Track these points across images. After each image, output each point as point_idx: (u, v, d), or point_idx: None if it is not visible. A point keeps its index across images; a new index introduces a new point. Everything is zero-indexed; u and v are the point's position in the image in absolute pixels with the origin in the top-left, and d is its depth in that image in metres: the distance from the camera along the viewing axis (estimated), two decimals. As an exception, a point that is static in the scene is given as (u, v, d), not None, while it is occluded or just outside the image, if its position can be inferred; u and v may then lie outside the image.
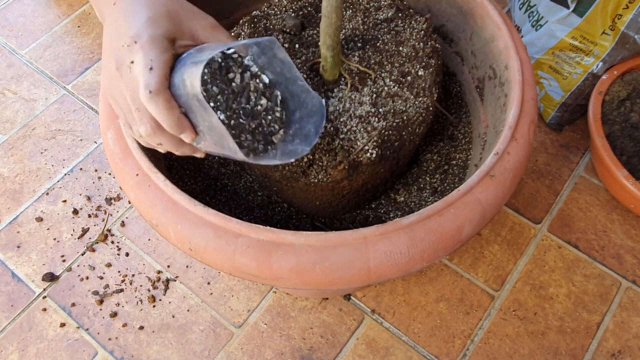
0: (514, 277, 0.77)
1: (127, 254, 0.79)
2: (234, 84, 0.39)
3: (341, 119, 0.52)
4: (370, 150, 0.50)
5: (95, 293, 0.76)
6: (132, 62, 0.37)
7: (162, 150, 0.41)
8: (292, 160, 0.42)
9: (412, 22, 0.57)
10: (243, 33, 0.58)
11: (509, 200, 0.84)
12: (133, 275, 0.77)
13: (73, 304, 0.75)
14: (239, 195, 0.62)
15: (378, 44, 0.56)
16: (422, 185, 0.61)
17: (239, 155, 0.39)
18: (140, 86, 0.36)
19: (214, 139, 0.39)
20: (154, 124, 0.38)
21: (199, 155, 0.42)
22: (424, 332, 0.73)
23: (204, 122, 0.38)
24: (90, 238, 0.81)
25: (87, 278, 0.77)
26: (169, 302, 0.75)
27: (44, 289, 0.77)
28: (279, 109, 0.43)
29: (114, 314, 0.74)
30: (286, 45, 0.57)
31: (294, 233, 0.44)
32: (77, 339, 0.73)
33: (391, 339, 0.73)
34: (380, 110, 0.52)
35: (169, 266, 0.78)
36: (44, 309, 0.75)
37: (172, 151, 0.41)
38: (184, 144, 0.40)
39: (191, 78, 0.36)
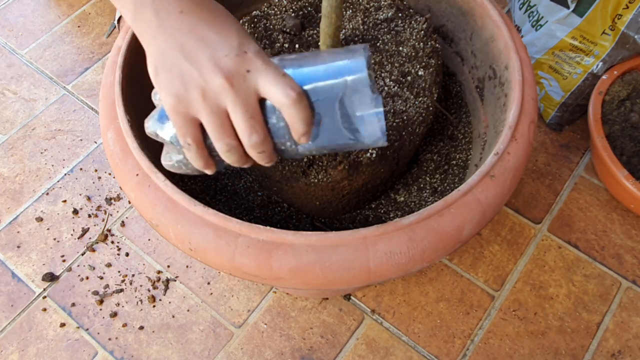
0: (514, 277, 0.77)
1: (127, 254, 0.79)
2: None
3: (341, 119, 0.52)
4: (370, 150, 0.50)
5: (95, 293, 0.76)
6: (249, 70, 0.37)
7: (263, 163, 0.41)
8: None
9: (412, 22, 0.57)
10: (243, 33, 0.57)
11: (509, 200, 0.84)
12: (133, 275, 0.77)
13: (73, 304, 0.75)
14: (239, 195, 0.62)
15: (378, 44, 0.56)
16: (422, 185, 0.61)
17: (369, 141, 0.40)
18: (283, 90, 0.37)
19: (341, 134, 0.40)
20: (265, 131, 0.39)
21: (272, 163, 0.42)
22: (424, 332, 0.73)
23: (335, 118, 0.39)
24: (90, 238, 0.81)
25: (87, 278, 0.77)
26: (169, 302, 0.75)
27: (44, 289, 0.77)
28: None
29: (114, 314, 0.74)
30: (286, 45, 0.57)
31: (294, 233, 0.44)
32: (77, 339, 0.73)
33: (391, 339, 0.73)
34: (380, 110, 0.52)
35: (169, 266, 0.78)
36: (44, 309, 0.75)
37: (266, 161, 0.41)
38: (275, 154, 0.41)
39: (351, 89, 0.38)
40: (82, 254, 0.79)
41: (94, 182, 0.86)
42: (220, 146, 0.39)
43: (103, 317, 0.74)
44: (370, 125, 0.40)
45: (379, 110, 0.39)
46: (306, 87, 0.39)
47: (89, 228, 0.81)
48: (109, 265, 0.78)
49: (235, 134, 0.38)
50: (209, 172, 0.41)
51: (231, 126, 0.38)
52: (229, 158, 0.39)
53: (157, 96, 0.41)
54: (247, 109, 0.38)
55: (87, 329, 0.74)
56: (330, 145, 0.41)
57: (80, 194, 0.85)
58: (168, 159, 0.42)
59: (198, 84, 0.37)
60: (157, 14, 0.38)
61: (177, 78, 0.37)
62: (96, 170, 0.87)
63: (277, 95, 0.37)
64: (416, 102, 0.52)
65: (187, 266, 0.78)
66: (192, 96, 0.37)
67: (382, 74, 0.54)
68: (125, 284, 0.77)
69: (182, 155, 0.41)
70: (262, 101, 0.39)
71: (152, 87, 0.40)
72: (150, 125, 0.41)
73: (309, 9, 0.61)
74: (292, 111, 0.37)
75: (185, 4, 0.38)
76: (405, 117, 0.51)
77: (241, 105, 0.37)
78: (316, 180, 0.51)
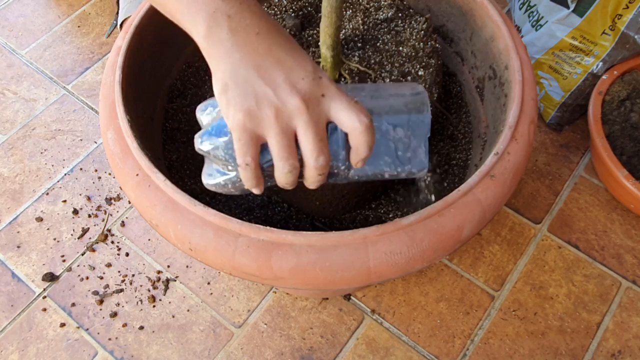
0: (514, 277, 0.77)
1: (127, 254, 0.79)
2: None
3: (341, 119, 0.52)
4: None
5: (95, 293, 0.76)
6: (324, 95, 0.39)
7: (314, 186, 0.42)
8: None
9: (412, 22, 0.57)
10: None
11: (509, 200, 0.84)
12: (133, 275, 0.77)
13: (73, 304, 0.75)
14: (239, 195, 0.62)
15: (378, 44, 0.56)
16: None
17: (416, 169, 0.43)
18: (357, 116, 0.38)
19: (392, 162, 0.43)
20: (329, 154, 0.40)
21: (317, 186, 0.43)
22: (424, 332, 0.73)
23: (391, 147, 0.43)
24: (90, 238, 0.81)
25: (87, 278, 0.77)
26: (169, 302, 0.75)
27: (44, 289, 0.77)
28: None
29: (114, 314, 0.74)
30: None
31: (294, 233, 0.44)
32: (77, 339, 0.73)
33: (391, 339, 0.73)
34: (380, 110, 0.52)
35: (169, 266, 0.78)
36: (44, 309, 0.75)
37: (319, 182, 0.41)
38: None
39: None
40: (82, 254, 0.79)
41: (94, 182, 0.86)
42: (284, 166, 0.39)
43: (103, 317, 0.74)
44: (419, 156, 0.43)
45: (426, 144, 0.43)
46: (374, 116, 0.41)
47: (89, 228, 0.81)
48: (109, 265, 0.78)
49: (297, 155, 0.39)
50: (256, 191, 0.41)
51: (296, 148, 0.39)
52: (287, 178, 0.40)
53: (204, 112, 0.42)
54: (318, 132, 0.38)
55: (87, 329, 0.74)
56: (378, 171, 0.43)
57: (80, 194, 0.85)
58: (213, 178, 0.42)
59: (272, 102, 0.38)
60: (234, 34, 0.38)
61: (250, 95, 0.38)
62: (96, 170, 0.87)
63: (350, 121, 0.38)
64: (416, 102, 0.52)
65: (187, 266, 0.78)
66: (265, 114, 0.38)
67: (382, 74, 0.54)
68: (125, 284, 0.77)
69: (234, 173, 0.41)
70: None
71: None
72: (206, 141, 0.40)
73: (309, 9, 0.61)
74: (362, 137, 0.39)
75: (262, 26, 0.39)
76: (405, 117, 0.51)
77: (313, 127, 0.38)
78: (316, 180, 0.51)
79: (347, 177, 0.43)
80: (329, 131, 0.40)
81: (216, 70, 0.39)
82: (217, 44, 0.39)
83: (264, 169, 0.40)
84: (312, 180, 0.41)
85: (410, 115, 0.42)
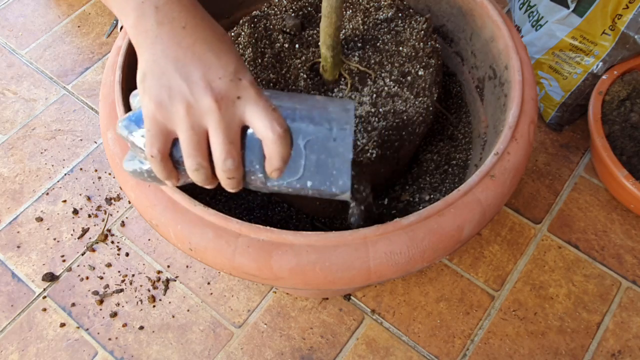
0: (514, 277, 0.77)
1: (127, 254, 0.79)
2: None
3: (341, 119, 0.52)
4: (370, 150, 0.50)
5: (95, 293, 0.76)
6: (239, 97, 0.38)
7: (228, 188, 0.42)
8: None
9: (412, 22, 0.57)
10: (243, 33, 0.58)
11: (509, 200, 0.84)
12: (133, 275, 0.77)
13: (73, 304, 0.75)
14: (239, 195, 0.62)
15: (378, 44, 0.56)
16: (422, 185, 0.61)
17: (336, 190, 0.42)
18: (270, 124, 0.38)
19: (310, 177, 0.41)
20: (240, 158, 0.39)
21: (236, 190, 0.43)
22: (424, 332, 0.73)
23: (311, 158, 0.41)
24: (90, 238, 0.81)
25: (87, 278, 0.77)
26: (169, 302, 0.75)
27: (44, 289, 0.77)
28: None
29: (114, 314, 0.74)
30: (286, 45, 0.57)
31: (294, 233, 0.44)
32: (77, 339, 0.73)
33: (391, 339, 0.73)
34: (380, 110, 0.52)
35: (169, 266, 0.78)
36: (44, 309, 0.75)
37: (232, 187, 0.41)
38: (243, 183, 0.42)
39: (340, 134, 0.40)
40: (82, 254, 0.79)
41: (94, 182, 0.86)
42: (191, 164, 0.39)
43: (103, 317, 0.74)
44: (341, 177, 0.41)
45: (349, 167, 0.40)
46: (292, 126, 0.40)
47: (89, 228, 0.81)
48: (109, 265, 0.78)
49: (208, 154, 0.39)
50: (170, 184, 0.41)
51: (207, 147, 0.39)
52: (195, 176, 0.40)
53: (135, 99, 0.41)
54: (229, 134, 0.38)
55: (87, 329, 0.73)
56: (297, 187, 0.42)
57: (80, 194, 0.85)
58: (131, 165, 0.42)
59: (185, 98, 0.37)
60: (159, 25, 0.38)
61: (164, 88, 0.38)
62: (96, 170, 0.87)
63: (263, 128, 0.38)
64: (416, 102, 0.52)
65: (187, 266, 0.78)
66: (175, 108, 0.37)
67: (382, 74, 0.54)
68: (125, 284, 0.77)
69: (149, 164, 0.41)
70: (242, 129, 0.39)
71: None
72: (124, 126, 0.40)
73: (309, 9, 0.61)
74: (274, 146, 0.38)
75: (189, 20, 0.38)
76: (405, 117, 0.51)
77: (224, 129, 0.38)
78: (316, 180, 0.51)
79: (267, 186, 0.42)
80: (247, 136, 0.39)
81: (140, 59, 0.39)
82: (143, 34, 0.38)
83: (180, 163, 0.40)
84: (223, 182, 0.40)
85: (332, 132, 0.40)
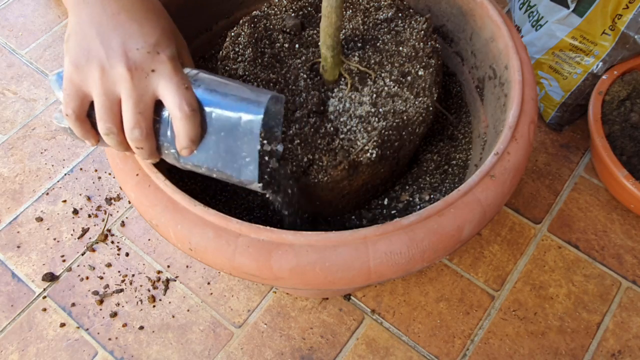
0: (514, 277, 0.77)
1: (127, 254, 0.79)
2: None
3: (341, 119, 0.52)
4: (370, 150, 0.50)
5: (95, 293, 0.76)
6: (154, 70, 0.39)
7: (140, 157, 0.43)
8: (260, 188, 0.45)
9: (412, 22, 0.57)
10: (243, 33, 0.58)
11: (509, 200, 0.84)
12: (133, 275, 0.77)
13: (73, 304, 0.75)
14: (239, 195, 0.62)
15: (378, 44, 0.56)
16: (422, 185, 0.61)
17: (244, 178, 0.42)
18: (179, 102, 0.39)
19: (220, 161, 0.42)
20: (149, 130, 0.40)
21: (152, 161, 0.44)
22: (424, 332, 0.73)
23: (221, 144, 0.41)
24: (90, 238, 0.81)
25: (87, 278, 0.77)
26: (169, 302, 0.75)
27: (44, 289, 0.77)
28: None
29: (114, 314, 0.74)
30: (286, 45, 0.57)
31: (294, 233, 0.44)
32: (77, 339, 0.73)
33: (391, 339, 0.73)
34: (380, 110, 0.52)
35: (169, 266, 0.78)
36: (44, 309, 0.75)
37: (143, 157, 0.43)
38: (156, 154, 0.43)
39: (248, 117, 0.40)
40: (82, 254, 0.79)
41: (94, 182, 0.86)
42: (101, 127, 0.40)
43: (103, 317, 0.74)
44: (249, 167, 0.42)
45: (257, 156, 0.41)
46: (206, 109, 0.41)
47: (89, 228, 0.81)
48: (109, 265, 0.78)
49: (119, 121, 0.40)
50: (89, 143, 0.43)
51: (119, 113, 0.40)
52: (107, 140, 0.41)
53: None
54: (138, 104, 0.39)
55: (87, 329, 0.74)
56: (208, 167, 0.43)
57: (80, 194, 0.85)
58: (59, 121, 0.43)
59: (101, 64, 0.38)
60: None
61: (84, 51, 0.39)
62: (96, 170, 0.87)
63: (171, 105, 0.39)
64: (416, 102, 0.52)
65: (187, 266, 0.78)
66: (91, 72, 0.39)
67: (382, 74, 0.54)
68: (125, 284, 0.77)
69: None
70: (160, 102, 0.40)
71: None
72: (55, 80, 0.42)
73: (309, 9, 0.61)
74: (181, 124, 0.39)
75: None
76: (405, 117, 0.51)
77: (134, 99, 0.39)
78: (316, 181, 0.51)
79: (180, 163, 0.43)
80: (164, 110, 0.40)
81: (69, 21, 0.40)
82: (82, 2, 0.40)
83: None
84: (135, 151, 0.42)
85: (240, 120, 0.41)
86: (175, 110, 0.39)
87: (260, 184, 0.43)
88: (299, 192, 0.50)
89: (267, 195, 0.47)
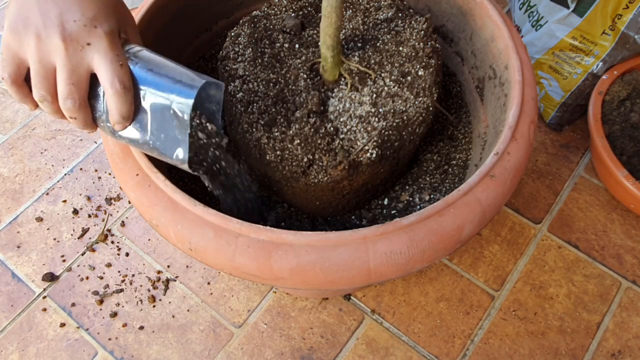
0: (514, 277, 0.77)
1: (127, 254, 0.79)
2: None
3: (341, 119, 0.52)
4: (370, 150, 0.50)
5: (95, 293, 0.76)
6: (89, 44, 0.40)
7: (69, 120, 0.44)
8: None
9: (412, 22, 0.57)
10: (243, 33, 0.58)
11: (509, 200, 0.84)
12: (133, 275, 0.77)
13: (73, 304, 0.75)
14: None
15: (378, 44, 0.56)
16: (422, 185, 0.61)
17: (175, 159, 0.44)
18: (111, 78, 0.40)
19: (152, 139, 0.44)
20: (82, 101, 0.42)
21: (89, 131, 0.45)
22: (424, 332, 0.73)
23: (154, 123, 0.43)
24: (90, 238, 0.81)
25: (87, 278, 0.77)
26: (169, 302, 0.75)
27: (44, 289, 0.77)
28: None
29: (114, 314, 0.74)
30: (286, 45, 0.57)
31: (294, 233, 0.44)
32: (77, 339, 0.73)
33: (391, 339, 0.73)
34: (380, 110, 0.52)
35: (169, 266, 0.78)
36: (44, 309, 0.75)
37: (78, 127, 0.44)
38: (92, 124, 0.44)
39: (180, 99, 0.42)
40: (82, 254, 0.79)
41: (94, 182, 0.86)
42: (35, 94, 0.41)
43: (103, 317, 0.74)
44: (179, 147, 0.43)
45: (187, 138, 0.42)
46: (141, 87, 0.42)
47: (89, 228, 0.81)
48: (109, 265, 0.78)
49: (54, 90, 0.41)
50: (28, 108, 0.44)
51: (54, 82, 0.41)
52: (43, 107, 0.42)
53: None
54: (71, 76, 0.40)
55: (87, 329, 0.74)
56: (141, 144, 0.44)
57: (80, 194, 0.85)
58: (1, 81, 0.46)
59: (38, 32, 0.39)
60: None
61: (22, 17, 0.40)
62: (96, 170, 0.87)
63: (104, 80, 0.40)
64: (416, 102, 0.52)
65: (187, 266, 0.78)
66: (27, 39, 0.40)
67: (382, 74, 0.54)
68: (125, 284, 0.77)
69: None
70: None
71: None
72: None
73: (309, 9, 0.61)
74: (112, 100, 0.40)
75: None
76: (405, 117, 0.52)
77: (67, 70, 0.40)
78: (316, 181, 0.51)
79: (115, 137, 0.44)
80: (99, 83, 0.41)
81: None
82: None
83: None
84: (70, 121, 0.43)
85: (173, 103, 0.42)
86: (107, 86, 0.40)
87: (187, 165, 0.44)
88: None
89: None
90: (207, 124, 0.46)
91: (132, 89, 0.41)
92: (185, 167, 0.44)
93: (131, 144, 0.45)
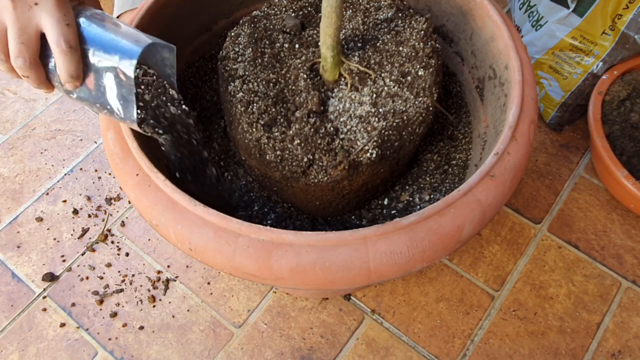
0: (514, 277, 0.77)
1: (127, 254, 0.79)
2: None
3: (341, 119, 0.52)
4: (370, 150, 0.50)
5: (95, 293, 0.76)
6: (36, 4, 0.41)
7: (23, 79, 0.45)
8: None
9: (412, 22, 0.57)
10: (243, 33, 0.58)
11: (509, 200, 0.84)
12: (133, 275, 0.77)
13: (73, 304, 0.75)
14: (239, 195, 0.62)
15: (378, 44, 0.56)
16: (422, 185, 0.61)
17: (125, 117, 0.45)
18: (57, 37, 0.41)
19: (103, 99, 0.45)
20: (33, 60, 0.42)
21: (45, 90, 0.47)
22: (424, 332, 0.73)
23: (100, 82, 0.44)
24: (90, 238, 0.81)
25: (87, 278, 0.77)
26: (169, 302, 0.75)
27: (44, 289, 0.77)
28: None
29: (114, 314, 0.74)
30: (286, 45, 0.57)
31: (294, 233, 0.44)
32: (77, 339, 0.73)
33: (391, 339, 0.73)
34: (380, 110, 0.52)
35: (169, 266, 0.78)
36: (44, 309, 0.75)
37: (33, 85, 0.45)
38: (46, 83, 0.45)
39: (125, 58, 0.43)
40: (82, 254, 0.79)
41: (94, 182, 0.86)
42: None
43: (103, 317, 0.74)
44: (127, 107, 0.44)
45: (133, 98, 0.44)
46: (88, 47, 0.43)
47: (89, 228, 0.81)
48: (109, 265, 0.78)
49: (6, 48, 0.42)
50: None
51: (6, 41, 0.42)
52: (6, 70, 0.43)
53: None
54: (21, 35, 0.41)
55: (87, 329, 0.74)
56: (93, 103, 0.45)
57: (80, 194, 0.85)
58: None
59: None
60: None
61: None
62: (96, 170, 0.87)
63: (51, 39, 0.41)
64: (416, 102, 0.52)
65: (187, 266, 0.78)
66: None
67: (382, 74, 0.54)
68: (125, 284, 0.77)
69: None
70: None
71: None
72: None
73: (309, 9, 0.61)
74: (59, 59, 0.42)
75: None
76: (405, 117, 0.51)
77: (16, 29, 0.41)
78: (316, 181, 0.51)
79: (70, 96, 0.45)
80: None
81: None
82: None
83: None
84: (24, 79, 0.44)
85: (119, 62, 0.43)
86: (53, 45, 0.41)
87: (136, 125, 0.45)
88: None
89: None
90: (171, 90, 0.47)
91: (78, 49, 0.42)
92: (135, 127, 0.45)
93: (85, 103, 0.46)
